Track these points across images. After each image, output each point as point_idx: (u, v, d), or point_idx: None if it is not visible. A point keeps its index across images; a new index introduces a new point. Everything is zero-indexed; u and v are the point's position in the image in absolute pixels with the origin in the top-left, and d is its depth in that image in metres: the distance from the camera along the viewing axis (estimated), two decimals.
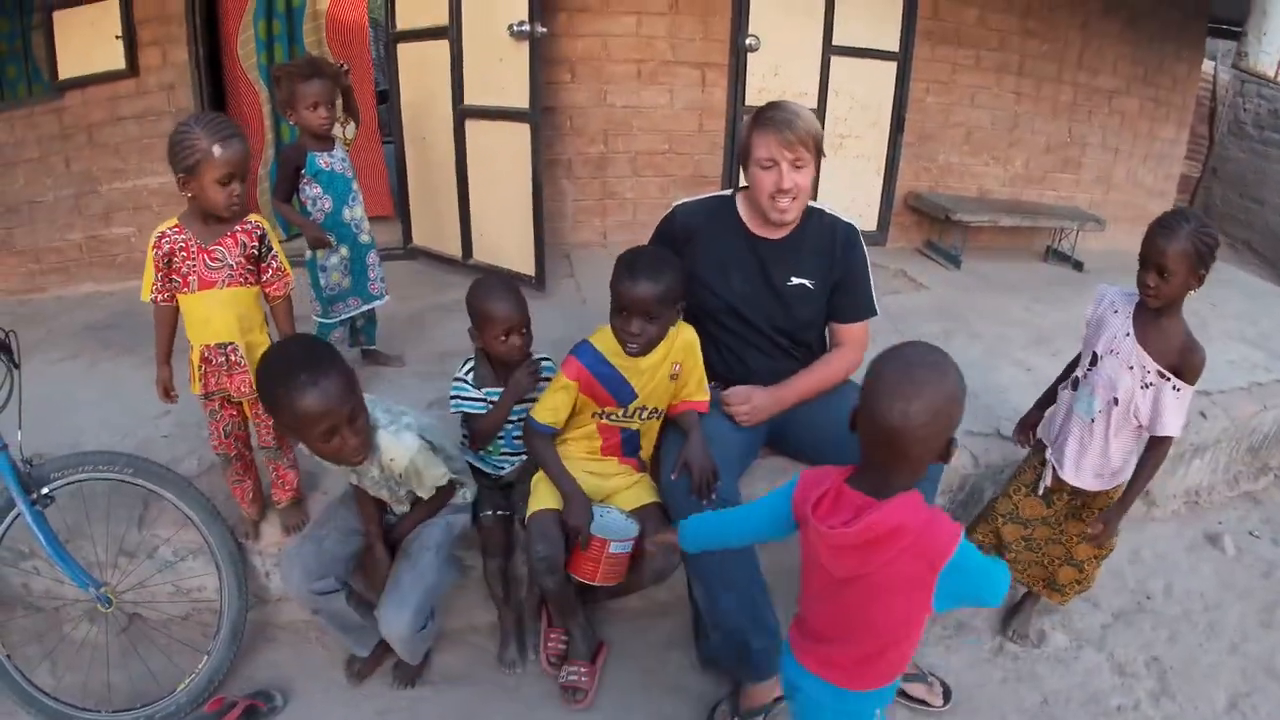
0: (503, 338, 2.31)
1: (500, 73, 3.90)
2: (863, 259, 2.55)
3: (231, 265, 2.16)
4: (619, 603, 2.65)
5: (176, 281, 2.14)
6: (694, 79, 4.68)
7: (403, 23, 4.28)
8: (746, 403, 2.46)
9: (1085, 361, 2.41)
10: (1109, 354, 2.30)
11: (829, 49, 4.86)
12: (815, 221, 2.52)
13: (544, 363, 2.44)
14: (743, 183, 2.49)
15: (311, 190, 3.00)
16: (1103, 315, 2.39)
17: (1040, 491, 2.53)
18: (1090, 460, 2.40)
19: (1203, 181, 10.09)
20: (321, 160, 2.98)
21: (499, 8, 3.79)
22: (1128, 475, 2.40)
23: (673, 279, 2.16)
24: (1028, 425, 2.66)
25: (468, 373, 2.41)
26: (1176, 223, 2.15)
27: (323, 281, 3.08)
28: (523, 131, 3.88)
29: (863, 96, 5.06)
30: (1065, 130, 5.92)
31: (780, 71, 4.79)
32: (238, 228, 2.16)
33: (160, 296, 2.16)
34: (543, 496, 2.31)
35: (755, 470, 2.70)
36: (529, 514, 2.30)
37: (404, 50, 4.31)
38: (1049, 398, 2.62)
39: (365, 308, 3.21)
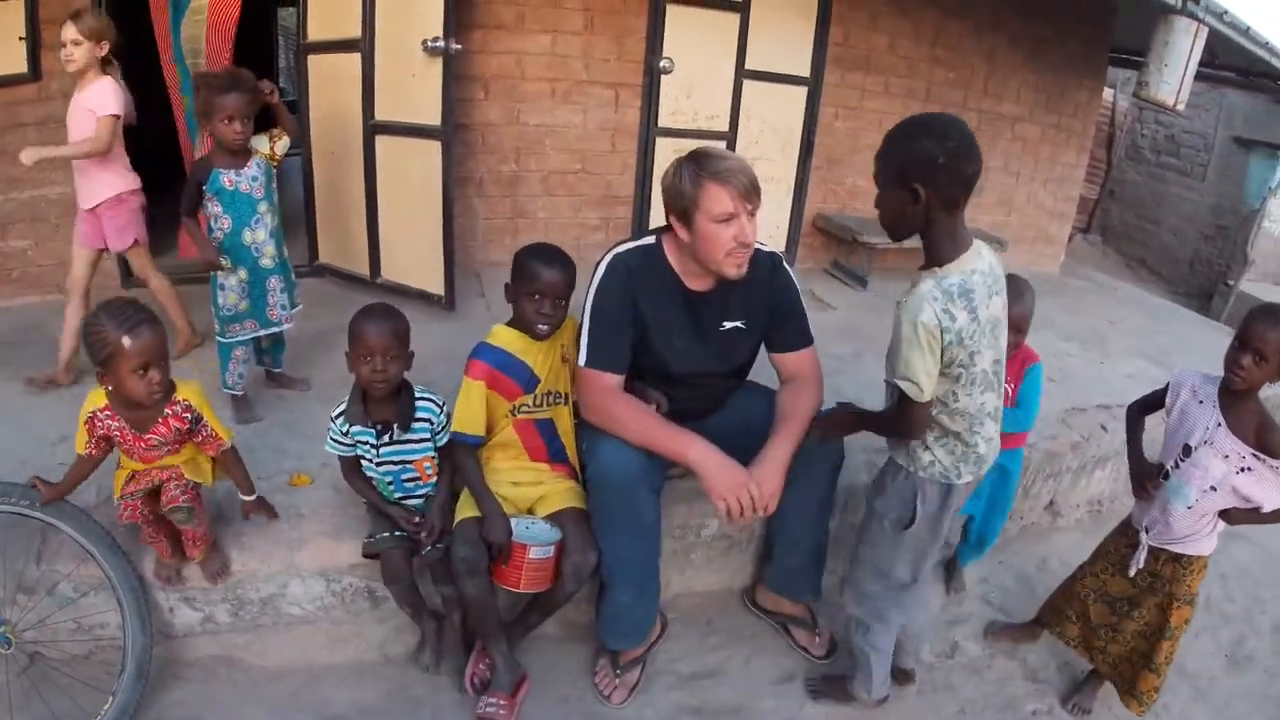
0: (366, 358, 2.22)
1: (413, 88, 3.86)
2: (793, 284, 2.51)
3: (169, 442, 2.15)
4: (538, 630, 2.66)
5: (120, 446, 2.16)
6: (607, 99, 4.71)
7: (314, 33, 4.18)
8: (760, 492, 2.21)
9: (1174, 454, 2.41)
10: (1203, 445, 2.31)
11: (741, 73, 4.92)
12: None
13: (420, 402, 2.37)
14: (659, 215, 2.41)
15: (213, 208, 2.92)
16: (1185, 405, 2.41)
17: (1133, 572, 2.53)
18: (1185, 529, 2.43)
19: (1100, 203, 10.54)
20: (225, 178, 2.88)
21: (413, 23, 3.76)
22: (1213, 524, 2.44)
23: (572, 268, 2.37)
24: (1145, 477, 2.53)
25: (339, 414, 2.35)
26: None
27: (220, 301, 3.00)
28: (434, 149, 3.85)
29: (773, 120, 5.14)
30: None
31: (693, 94, 4.84)
32: (167, 412, 2.11)
33: (93, 451, 2.15)
34: (467, 506, 2.37)
35: (677, 489, 2.74)
36: (455, 522, 2.36)
37: (314, 62, 4.23)
38: (1137, 451, 2.61)
39: (263, 333, 3.12)
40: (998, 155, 6.27)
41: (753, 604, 2.92)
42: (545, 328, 2.32)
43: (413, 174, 3.98)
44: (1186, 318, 6.36)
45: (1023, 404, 2.80)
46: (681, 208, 2.22)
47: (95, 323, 1.97)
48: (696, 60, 4.78)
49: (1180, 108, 6.03)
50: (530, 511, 2.46)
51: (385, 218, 4.18)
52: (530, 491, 2.48)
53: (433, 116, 3.83)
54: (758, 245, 2.36)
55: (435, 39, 3.69)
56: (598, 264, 2.39)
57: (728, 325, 2.45)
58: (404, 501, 2.43)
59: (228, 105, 2.79)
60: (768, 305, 2.46)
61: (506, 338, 2.39)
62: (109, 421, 2.08)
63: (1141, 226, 10.49)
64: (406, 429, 2.34)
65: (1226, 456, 2.26)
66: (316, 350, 3.60)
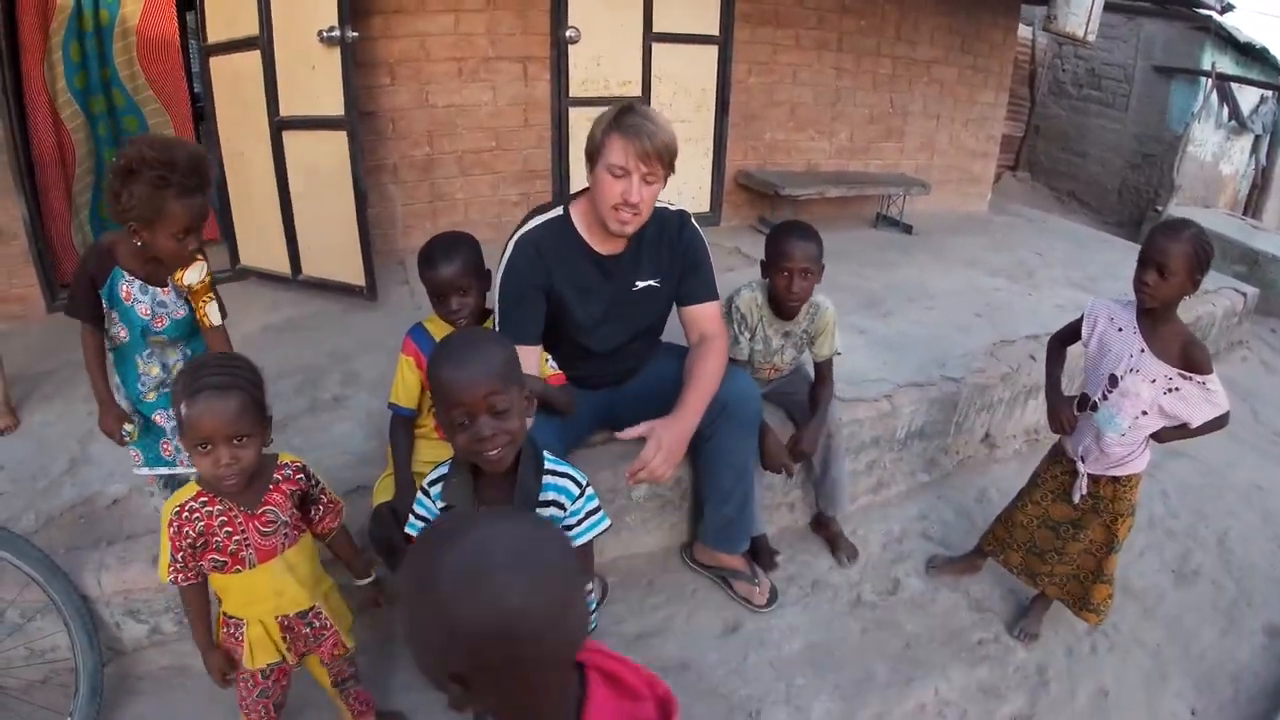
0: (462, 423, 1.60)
1: (314, 81, 3.79)
2: (701, 240, 2.52)
3: (286, 521, 1.81)
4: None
5: (218, 561, 1.75)
6: (516, 74, 4.66)
7: (214, 35, 4.07)
8: (659, 451, 2.20)
9: (1101, 385, 2.42)
10: (1130, 373, 2.33)
11: (650, 36, 4.91)
12: (648, 221, 2.37)
13: (550, 479, 1.73)
14: (579, 187, 2.42)
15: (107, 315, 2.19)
16: (1104, 334, 2.43)
17: (1076, 500, 2.57)
18: (1120, 455, 2.47)
19: (1026, 140, 10.65)
20: (123, 288, 2.12)
21: (308, 14, 3.67)
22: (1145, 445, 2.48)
23: (468, 252, 2.28)
24: (1064, 413, 2.52)
25: (434, 483, 1.78)
26: (1180, 226, 2.22)
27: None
28: (340, 139, 3.79)
29: (686, 81, 5.14)
30: (887, 101, 6.16)
31: (602, 61, 4.82)
32: (277, 476, 1.80)
33: (181, 577, 1.75)
34: (382, 492, 2.34)
35: (601, 455, 2.77)
36: (373, 507, 2.33)
37: (217, 64, 4.12)
38: (1054, 385, 2.59)
39: (160, 471, 2.39)
40: (916, 99, 6.31)
41: (692, 560, 2.94)
42: (461, 322, 2.30)
43: (323, 167, 3.92)
44: (1116, 245, 6.44)
45: None
46: (590, 150, 2.25)
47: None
48: (603, 27, 4.75)
49: (1091, 39, 6.10)
50: None
51: (300, 213, 4.12)
52: None
53: (336, 107, 3.76)
54: (666, 205, 2.42)
55: (331, 28, 3.62)
56: (506, 244, 2.38)
57: (640, 284, 2.47)
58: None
59: (186, 214, 1.99)
60: (678, 260, 2.49)
61: (437, 326, 2.38)
62: (206, 508, 1.71)
63: (1068, 160, 10.62)
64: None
65: (1154, 380, 2.30)
66: (243, 353, 3.48)
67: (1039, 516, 2.69)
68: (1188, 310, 4.75)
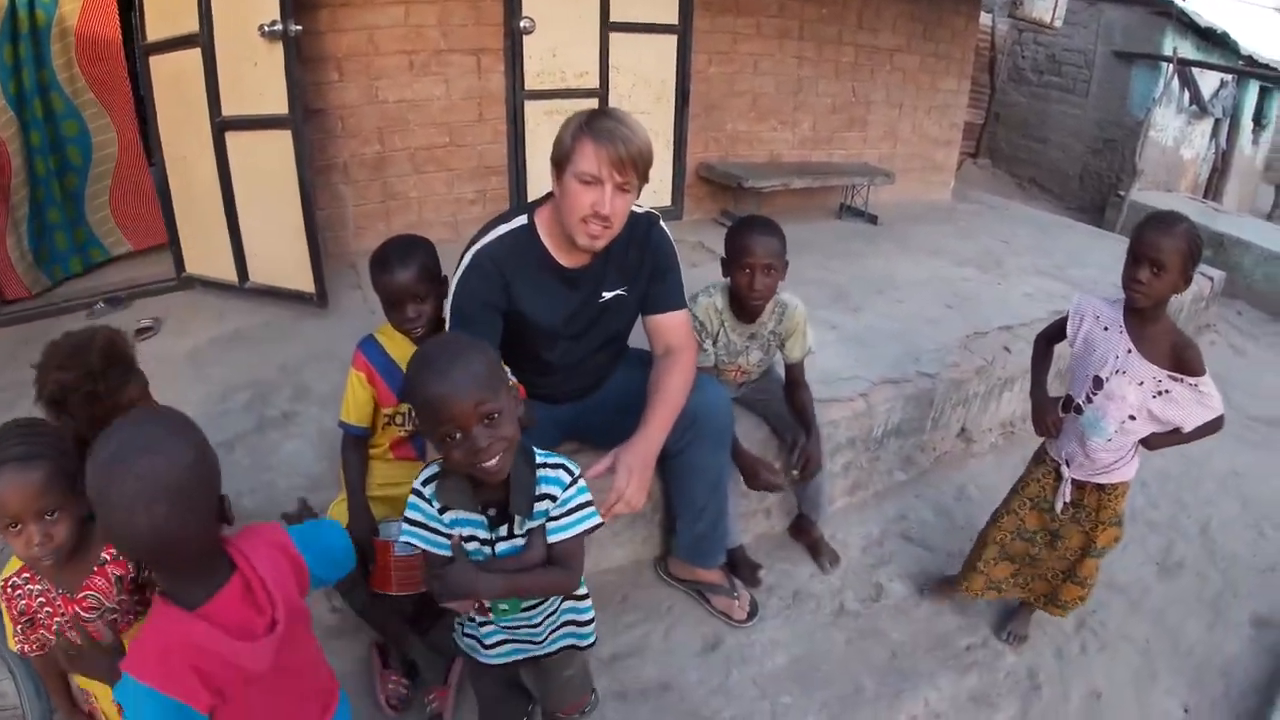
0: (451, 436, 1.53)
1: (256, 78, 3.60)
2: (670, 244, 2.34)
3: (114, 608, 1.61)
4: None
5: (46, 639, 1.61)
6: (469, 66, 4.49)
7: (153, 33, 3.84)
8: (631, 479, 2.02)
9: (1085, 387, 2.29)
10: (1116, 375, 2.20)
11: (607, 26, 4.77)
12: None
13: (543, 471, 1.69)
14: (535, 182, 2.26)
15: None
16: (1089, 334, 2.30)
17: (1059, 508, 2.43)
18: (1107, 460, 2.34)
19: (987, 127, 10.66)
20: None
21: (249, 8, 3.48)
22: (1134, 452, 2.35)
23: (424, 256, 2.15)
24: (1049, 415, 2.42)
25: (427, 482, 1.70)
26: (1173, 220, 2.07)
27: None
28: (285, 139, 3.61)
29: (645, 72, 5.01)
30: (849, 90, 6.07)
31: (558, 52, 4.66)
32: (105, 556, 1.60)
33: (27, 648, 1.61)
34: (337, 518, 2.20)
35: None
36: None
37: (157, 63, 3.89)
38: (1039, 386, 2.49)
39: None
40: (878, 88, 6.23)
41: (667, 574, 2.81)
42: (417, 332, 2.15)
43: (268, 168, 3.72)
44: (1079, 230, 6.44)
45: None
46: (558, 156, 2.05)
47: None
48: (559, 17, 4.60)
49: (1058, 24, 6.08)
50: None
51: (246, 218, 3.92)
52: (407, 491, 2.31)
53: (280, 105, 3.57)
54: (635, 207, 2.20)
55: (273, 22, 3.44)
56: (461, 256, 2.19)
57: (608, 295, 2.29)
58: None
59: (125, 404, 1.84)
60: (645, 265, 2.31)
61: (388, 338, 2.23)
62: (29, 587, 1.57)
63: (1029, 146, 10.64)
64: (531, 513, 1.66)
65: (1141, 383, 2.18)
66: (189, 368, 3.33)
67: (1013, 530, 2.56)
68: None
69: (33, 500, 1.45)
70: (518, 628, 1.86)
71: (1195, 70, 9.39)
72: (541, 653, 1.94)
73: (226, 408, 2.98)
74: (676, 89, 5.16)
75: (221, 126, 3.76)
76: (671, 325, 2.35)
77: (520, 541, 1.67)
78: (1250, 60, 9.96)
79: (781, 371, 2.85)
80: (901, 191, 6.37)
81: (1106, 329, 2.25)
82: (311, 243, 3.75)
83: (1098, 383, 2.25)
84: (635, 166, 2.00)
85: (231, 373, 3.25)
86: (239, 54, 3.62)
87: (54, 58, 4.01)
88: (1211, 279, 5.36)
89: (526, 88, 4.63)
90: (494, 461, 1.52)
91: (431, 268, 2.17)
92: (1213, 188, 10.36)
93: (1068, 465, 2.40)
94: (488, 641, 1.90)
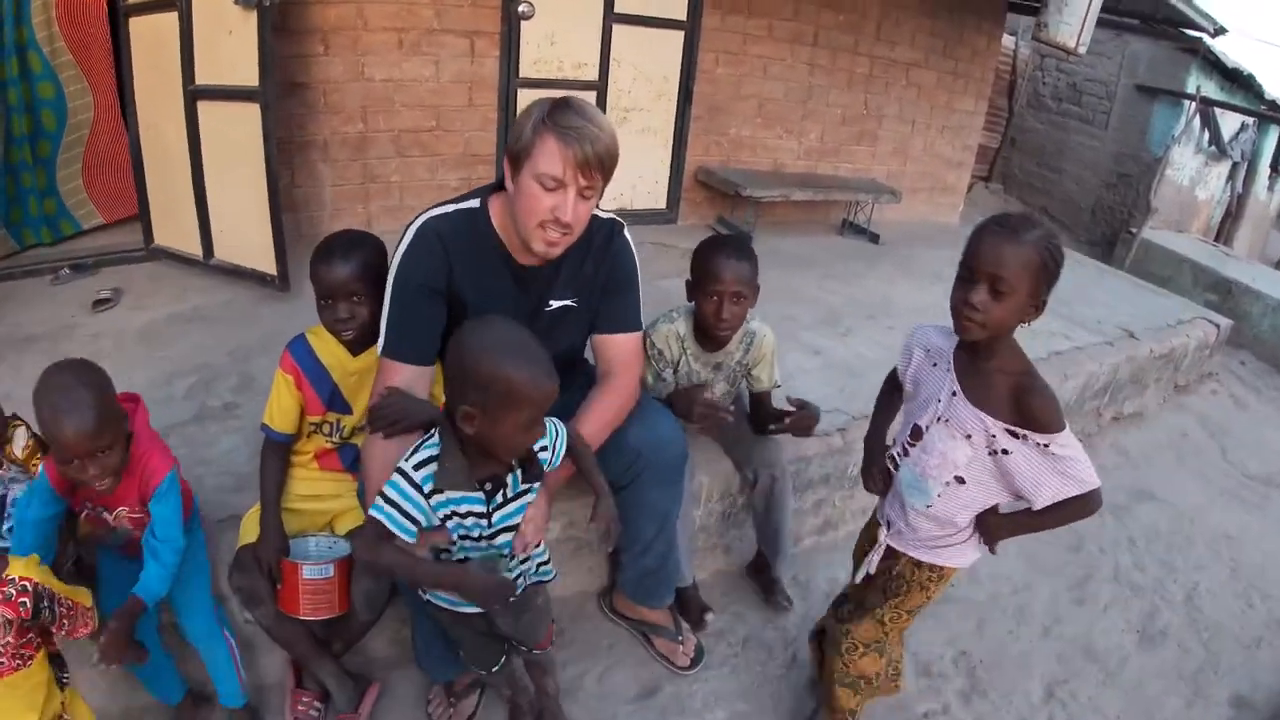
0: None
1: (230, 47, 3.42)
2: (632, 257, 2.11)
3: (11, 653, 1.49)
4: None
5: None
6: (462, 49, 4.31)
7: None
8: (526, 523, 1.77)
9: (904, 438, 1.84)
10: (937, 423, 1.74)
11: (610, 16, 4.61)
12: None
13: None
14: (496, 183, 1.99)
15: None
16: (918, 371, 1.84)
17: (859, 577, 2.01)
18: (929, 533, 1.87)
19: (1001, 151, 10.48)
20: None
21: None
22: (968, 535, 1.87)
23: (370, 254, 1.98)
24: (876, 465, 2.00)
25: (420, 464, 1.62)
26: (1021, 225, 1.58)
27: None
28: (254, 113, 3.44)
29: (648, 67, 4.84)
30: (861, 102, 5.89)
31: (557, 40, 4.49)
32: None
33: None
34: (248, 532, 2.04)
35: None
36: (237, 548, 2.03)
37: (135, 25, 3.73)
38: (875, 432, 2.06)
39: None
40: (892, 103, 6.06)
41: (611, 610, 2.62)
42: (349, 333, 1.96)
43: (237, 142, 3.55)
44: (1088, 265, 6.26)
45: None
46: (515, 150, 1.81)
47: None
48: (560, 4, 4.43)
49: (1082, 50, 5.87)
50: (330, 528, 2.13)
51: (213, 192, 3.76)
52: (331, 504, 2.14)
53: (250, 77, 3.40)
54: (598, 212, 1.99)
55: None
56: (405, 229, 1.97)
57: (555, 304, 2.07)
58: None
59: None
60: (600, 277, 2.09)
61: (320, 340, 2.03)
62: None
63: (1043, 175, 10.46)
64: (537, 474, 1.71)
65: (969, 435, 1.68)
66: (141, 346, 3.17)
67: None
68: (1162, 341, 4.52)
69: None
70: None
71: (1217, 111, 9.19)
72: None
73: (170, 393, 2.82)
74: (680, 87, 5.00)
75: (194, 95, 3.60)
76: (618, 347, 2.13)
77: (513, 506, 1.68)
78: (1273, 105, 9.80)
79: (747, 404, 2.65)
80: (908, 211, 6.20)
81: (935, 364, 1.78)
82: (275, 224, 3.58)
83: (916, 433, 1.80)
84: (602, 168, 1.80)
85: (183, 355, 3.11)
86: (215, 21, 3.45)
87: (33, 15, 3.82)
88: (1218, 326, 5.17)
89: (521, 75, 4.47)
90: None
91: (375, 267, 1.97)
92: (1225, 232, 10.17)
93: (887, 528, 1.95)
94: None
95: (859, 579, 2.00)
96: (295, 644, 2.09)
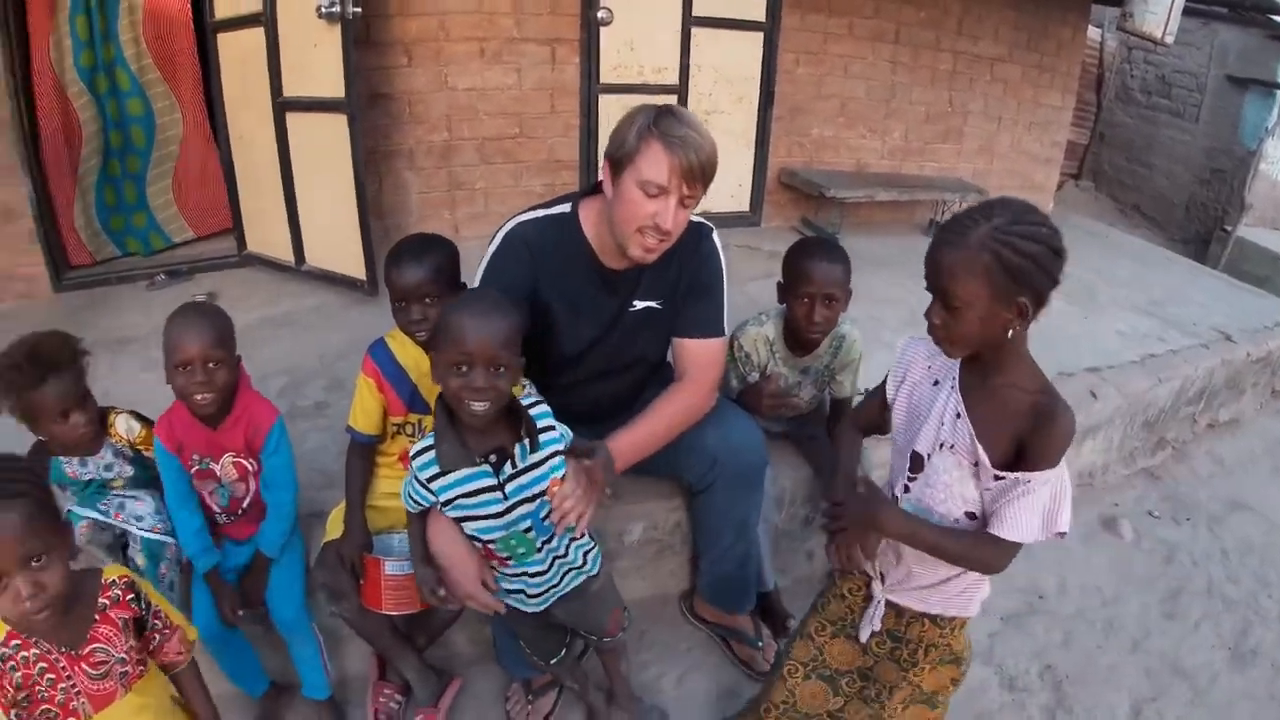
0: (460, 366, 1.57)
1: (315, 60, 3.53)
2: (719, 261, 2.10)
3: (123, 658, 1.40)
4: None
5: (50, 713, 1.35)
6: (543, 56, 4.35)
7: (221, 10, 3.83)
8: (575, 483, 1.73)
9: (903, 471, 1.58)
10: (940, 450, 1.49)
11: (689, 20, 4.58)
12: None
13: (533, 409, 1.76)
14: (591, 184, 2.02)
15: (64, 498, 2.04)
16: (915, 391, 1.59)
17: (865, 636, 1.72)
18: (930, 579, 1.61)
19: (1090, 147, 10.17)
20: (70, 468, 1.99)
21: None
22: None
23: (442, 258, 1.99)
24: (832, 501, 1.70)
25: (422, 451, 1.71)
26: (963, 225, 1.34)
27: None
28: (341, 123, 3.52)
29: (728, 70, 4.80)
30: (945, 99, 5.75)
31: (636, 46, 4.49)
32: (103, 600, 1.39)
33: None
34: (333, 529, 2.11)
35: None
36: (322, 544, 2.12)
37: (224, 41, 3.89)
38: (844, 461, 1.76)
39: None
40: (976, 99, 5.90)
41: (691, 613, 2.58)
42: (421, 335, 1.98)
43: (325, 151, 3.65)
44: (1181, 264, 5.96)
45: None
46: (618, 155, 1.84)
47: None
48: (638, 8, 4.42)
49: (1169, 40, 5.66)
50: None
51: (304, 200, 3.88)
52: None
53: (336, 89, 3.49)
54: (691, 217, 1.97)
55: (331, 3, 3.35)
56: (495, 233, 2.02)
57: (639, 305, 2.07)
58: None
59: (51, 401, 1.83)
60: (685, 279, 2.08)
61: (399, 343, 2.07)
62: (22, 655, 1.32)
63: (1134, 171, 10.09)
64: (540, 444, 1.72)
65: (977, 464, 1.44)
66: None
67: (808, 663, 1.82)
68: (1260, 344, 4.25)
69: (14, 545, 1.22)
70: (530, 575, 1.83)
71: None
72: (565, 589, 1.90)
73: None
74: (760, 89, 4.94)
75: (282, 107, 3.73)
76: (699, 352, 2.10)
77: (528, 477, 1.68)
78: None
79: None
80: None
81: (937, 383, 1.54)
82: (364, 229, 3.66)
83: (917, 462, 1.54)
84: (704, 177, 1.82)
85: (274, 357, 3.20)
86: (301, 35, 3.56)
87: (121, 33, 3.97)
88: None
89: (601, 81, 4.48)
90: (485, 408, 1.57)
91: (447, 270, 2.00)
92: None
93: (881, 580, 1.66)
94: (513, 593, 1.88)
95: (864, 637, 1.72)
96: (378, 638, 2.15)
